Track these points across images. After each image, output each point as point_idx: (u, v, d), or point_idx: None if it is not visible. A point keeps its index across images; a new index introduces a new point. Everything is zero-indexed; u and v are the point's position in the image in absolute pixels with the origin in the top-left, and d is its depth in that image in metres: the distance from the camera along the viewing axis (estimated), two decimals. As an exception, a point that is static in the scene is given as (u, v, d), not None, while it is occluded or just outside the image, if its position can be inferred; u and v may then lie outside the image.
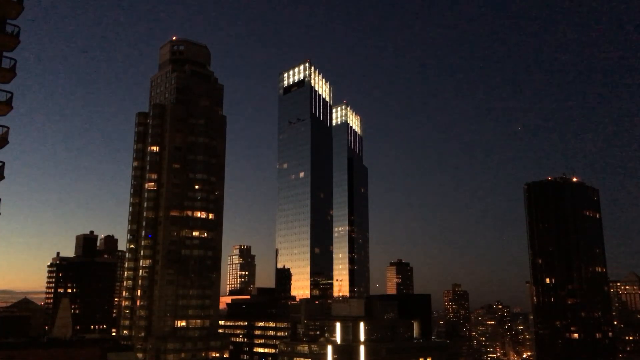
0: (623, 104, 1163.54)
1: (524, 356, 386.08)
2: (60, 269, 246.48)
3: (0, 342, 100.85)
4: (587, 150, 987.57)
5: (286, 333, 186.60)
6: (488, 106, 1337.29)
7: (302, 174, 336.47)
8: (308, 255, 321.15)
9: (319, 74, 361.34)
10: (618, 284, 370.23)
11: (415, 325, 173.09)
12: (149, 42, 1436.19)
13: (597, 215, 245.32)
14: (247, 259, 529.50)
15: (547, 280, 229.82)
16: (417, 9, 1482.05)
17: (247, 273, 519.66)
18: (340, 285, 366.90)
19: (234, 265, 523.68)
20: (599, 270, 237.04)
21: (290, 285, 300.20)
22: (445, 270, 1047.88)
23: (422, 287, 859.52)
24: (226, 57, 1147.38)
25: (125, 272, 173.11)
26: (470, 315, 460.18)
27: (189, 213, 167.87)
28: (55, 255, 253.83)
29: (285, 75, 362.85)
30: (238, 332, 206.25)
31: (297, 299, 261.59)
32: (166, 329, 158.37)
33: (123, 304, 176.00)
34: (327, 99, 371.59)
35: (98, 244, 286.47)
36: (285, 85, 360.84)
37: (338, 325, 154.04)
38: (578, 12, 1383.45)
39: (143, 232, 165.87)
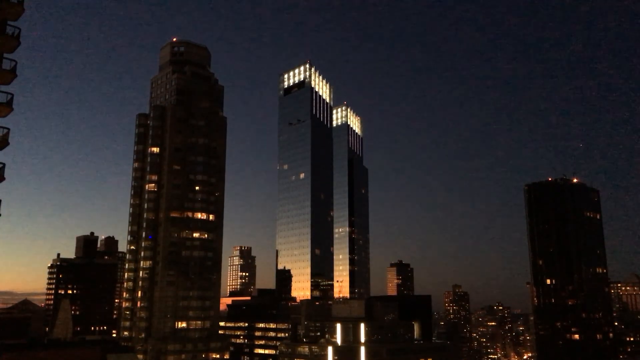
0: (624, 104, 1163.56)
1: (525, 357, 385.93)
2: (61, 270, 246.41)
3: (1, 344, 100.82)
4: (587, 150, 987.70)
5: (286, 334, 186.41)
6: (488, 107, 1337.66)
7: (302, 175, 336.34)
8: (308, 257, 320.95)
9: (319, 75, 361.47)
10: (619, 284, 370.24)
11: (416, 327, 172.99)
12: (149, 43, 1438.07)
13: (598, 216, 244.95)
14: (248, 260, 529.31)
15: (548, 281, 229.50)
16: (418, 10, 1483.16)
17: (247, 274, 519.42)
18: (341, 286, 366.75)
19: (234, 267, 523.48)
20: (600, 271, 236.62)
21: (290, 287, 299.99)
22: (446, 271, 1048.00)
23: (423, 288, 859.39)
24: (226, 58, 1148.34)
25: (126, 273, 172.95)
26: (470, 317, 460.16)
27: (189, 214, 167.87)
28: (55, 257, 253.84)
29: (286, 76, 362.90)
30: (238, 333, 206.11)
31: (298, 300, 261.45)
32: (166, 330, 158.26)
33: (123, 305, 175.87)
34: (328, 100, 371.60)
35: (98, 245, 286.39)
36: (286, 86, 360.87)
37: (338, 326, 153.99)
38: (578, 12, 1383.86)
39: (143, 233, 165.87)
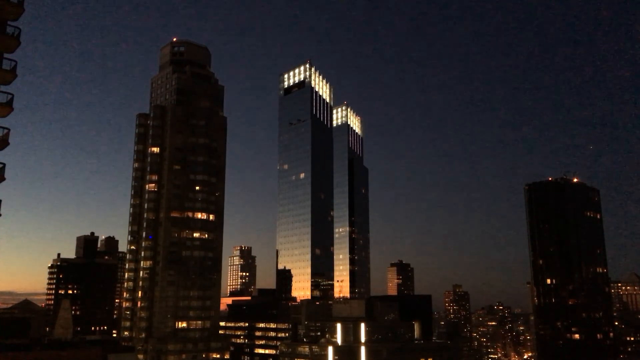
0: (623, 103, 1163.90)
1: (525, 357, 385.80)
2: (61, 270, 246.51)
3: (1, 344, 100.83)
4: (587, 150, 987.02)
5: (287, 334, 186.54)
6: (488, 107, 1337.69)
7: (302, 175, 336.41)
8: (309, 256, 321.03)
9: (319, 75, 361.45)
10: (619, 284, 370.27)
11: (416, 326, 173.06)
12: (149, 43, 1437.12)
13: (598, 216, 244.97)
14: (248, 260, 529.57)
15: (548, 281, 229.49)
16: (418, 10, 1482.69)
17: (247, 274, 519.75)
18: (341, 286, 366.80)
19: (234, 267, 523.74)
20: (600, 270, 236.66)
21: (290, 286, 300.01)
22: (446, 271, 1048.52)
23: (423, 288, 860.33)
24: (226, 58, 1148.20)
25: (126, 273, 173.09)
26: (471, 316, 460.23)
27: (190, 214, 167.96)
28: (56, 257, 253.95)
29: (286, 76, 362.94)
30: (239, 333, 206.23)
31: (298, 300, 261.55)
32: (167, 330, 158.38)
33: (124, 305, 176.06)
34: (328, 100, 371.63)
35: (99, 245, 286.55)
36: (286, 86, 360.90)
37: (339, 326, 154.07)
38: (578, 11, 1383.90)
39: (144, 233, 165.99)
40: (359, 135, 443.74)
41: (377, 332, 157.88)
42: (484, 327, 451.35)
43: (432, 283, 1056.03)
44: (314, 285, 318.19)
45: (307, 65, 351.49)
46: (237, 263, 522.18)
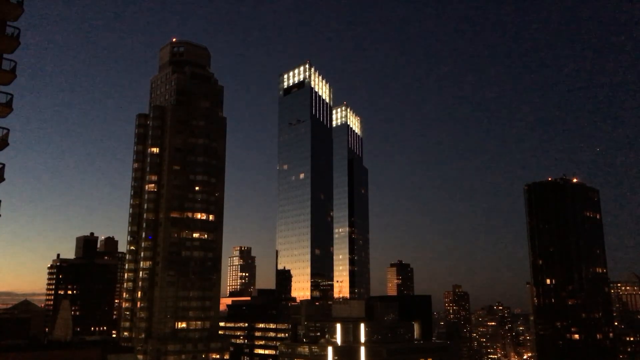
0: (623, 104, 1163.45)
1: (525, 357, 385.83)
2: (61, 270, 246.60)
3: (1, 344, 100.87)
4: (587, 150, 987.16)
5: (287, 334, 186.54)
6: (488, 107, 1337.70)
7: (302, 175, 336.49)
8: (308, 257, 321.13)
9: (319, 75, 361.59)
10: (618, 284, 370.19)
11: (416, 327, 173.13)
12: (149, 43, 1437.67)
13: (598, 216, 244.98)
14: (248, 261, 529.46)
15: (548, 281, 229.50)
16: (418, 10, 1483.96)
17: (247, 274, 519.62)
18: (341, 286, 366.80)
19: (234, 267, 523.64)
20: (600, 271, 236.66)
21: (290, 287, 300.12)
22: (446, 271, 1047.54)
23: (423, 288, 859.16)
24: (226, 59, 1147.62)
25: (126, 274, 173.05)
26: (470, 316, 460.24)
27: (189, 214, 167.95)
28: (55, 257, 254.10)
29: (285, 76, 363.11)
30: (238, 333, 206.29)
31: (298, 300, 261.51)
32: (166, 330, 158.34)
33: (123, 306, 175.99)
34: (327, 100, 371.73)
35: (98, 245, 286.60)
36: (285, 86, 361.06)
37: (338, 326, 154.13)
38: (577, 12, 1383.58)
39: (143, 234, 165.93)
40: (359, 136, 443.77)
41: (377, 333, 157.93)
42: (483, 327, 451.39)
43: (432, 283, 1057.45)
44: (314, 286, 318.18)
45: (307, 66, 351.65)
46: (237, 263, 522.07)
